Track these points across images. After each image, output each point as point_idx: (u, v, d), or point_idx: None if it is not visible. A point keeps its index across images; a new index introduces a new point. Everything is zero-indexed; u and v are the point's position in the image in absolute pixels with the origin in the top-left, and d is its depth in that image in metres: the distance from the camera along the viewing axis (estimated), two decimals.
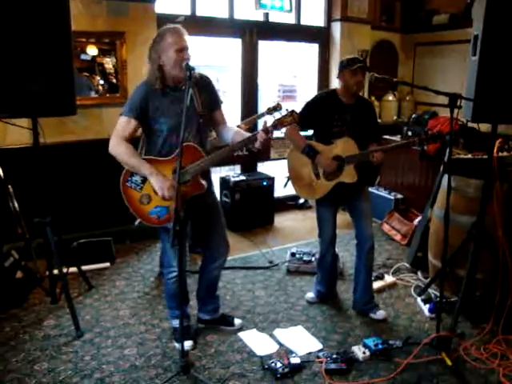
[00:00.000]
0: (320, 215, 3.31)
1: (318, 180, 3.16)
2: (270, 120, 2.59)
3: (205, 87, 2.72)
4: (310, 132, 3.27)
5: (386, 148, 3.04)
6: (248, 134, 2.67)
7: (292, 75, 9.33)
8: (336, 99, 3.11)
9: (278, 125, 2.55)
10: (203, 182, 2.66)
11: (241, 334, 3.02)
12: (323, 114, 3.09)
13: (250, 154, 3.55)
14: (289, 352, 2.82)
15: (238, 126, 3.80)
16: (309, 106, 3.16)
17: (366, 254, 3.23)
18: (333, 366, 2.66)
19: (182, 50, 2.50)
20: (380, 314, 3.24)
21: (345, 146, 3.06)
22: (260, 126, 2.67)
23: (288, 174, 3.28)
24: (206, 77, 2.76)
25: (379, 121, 5.60)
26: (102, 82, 4.28)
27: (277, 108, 3.89)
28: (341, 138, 3.07)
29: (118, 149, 2.56)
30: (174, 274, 2.78)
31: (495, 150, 3.22)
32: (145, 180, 2.62)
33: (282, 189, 3.55)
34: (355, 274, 3.35)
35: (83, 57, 4.14)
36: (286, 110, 2.58)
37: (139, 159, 2.58)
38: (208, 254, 2.98)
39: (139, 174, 2.59)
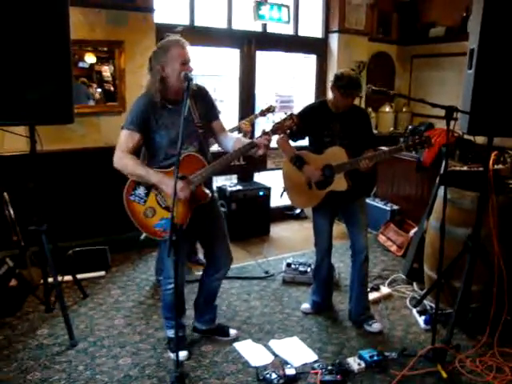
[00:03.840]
0: (316, 225, 3.31)
1: (310, 189, 3.18)
2: (269, 125, 2.60)
3: (202, 98, 2.73)
4: (306, 142, 3.29)
5: (372, 156, 3.00)
6: (248, 141, 2.68)
7: (289, 85, 9.36)
8: (326, 109, 3.14)
9: (278, 129, 2.56)
10: (207, 191, 2.66)
11: (236, 345, 3.01)
12: (314, 124, 3.12)
13: (249, 159, 3.55)
14: (284, 363, 2.80)
15: (239, 127, 3.82)
16: (300, 115, 3.17)
17: (360, 265, 3.23)
18: (328, 377, 2.65)
19: (187, 62, 2.53)
20: (375, 326, 3.22)
21: (335, 155, 3.07)
22: (257, 130, 2.68)
23: (284, 184, 3.30)
24: (204, 88, 2.77)
25: (375, 131, 5.64)
26: (99, 89, 4.29)
27: (269, 109, 3.91)
28: (332, 147, 3.09)
29: (123, 162, 2.55)
30: (173, 285, 2.74)
31: (491, 163, 3.24)
32: (148, 193, 2.62)
33: (279, 198, 3.57)
34: (350, 285, 3.34)
35: (81, 64, 4.17)
36: (285, 113, 2.59)
37: (146, 168, 2.57)
38: (211, 264, 2.97)
39: (148, 182, 2.57)
